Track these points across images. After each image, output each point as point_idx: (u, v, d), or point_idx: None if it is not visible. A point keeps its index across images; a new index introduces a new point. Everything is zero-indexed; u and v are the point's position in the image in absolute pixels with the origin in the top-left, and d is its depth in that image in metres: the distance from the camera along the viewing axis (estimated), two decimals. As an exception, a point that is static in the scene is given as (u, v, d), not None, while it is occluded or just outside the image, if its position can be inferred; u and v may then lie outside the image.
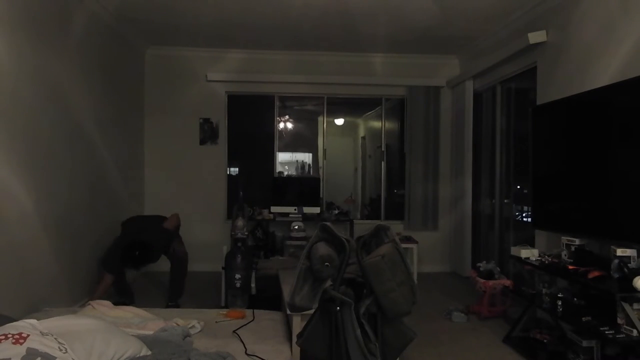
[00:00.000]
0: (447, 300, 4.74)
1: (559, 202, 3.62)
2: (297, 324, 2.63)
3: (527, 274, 4.02)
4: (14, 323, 1.70)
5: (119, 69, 5.18)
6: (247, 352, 2.30)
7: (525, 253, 3.64)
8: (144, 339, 2.13)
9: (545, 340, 3.45)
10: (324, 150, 6.73)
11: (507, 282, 4.21)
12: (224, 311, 2.97)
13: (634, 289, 2.60)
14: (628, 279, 2.69)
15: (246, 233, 4.05)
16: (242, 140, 6.42)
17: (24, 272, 3.33)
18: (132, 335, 2.14)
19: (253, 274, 3.97)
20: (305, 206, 5.92)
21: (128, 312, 2.73)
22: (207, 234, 6.06)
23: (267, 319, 2.85)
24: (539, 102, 4.25)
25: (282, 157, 7.07)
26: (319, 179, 6.42)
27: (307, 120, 7.39)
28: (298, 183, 6.46)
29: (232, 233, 4.06)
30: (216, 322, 2.77)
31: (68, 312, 2.76)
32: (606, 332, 2.70)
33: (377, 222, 2.53)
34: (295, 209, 5.90)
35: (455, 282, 5.64)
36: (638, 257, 2.85)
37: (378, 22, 4.94)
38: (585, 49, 3.70)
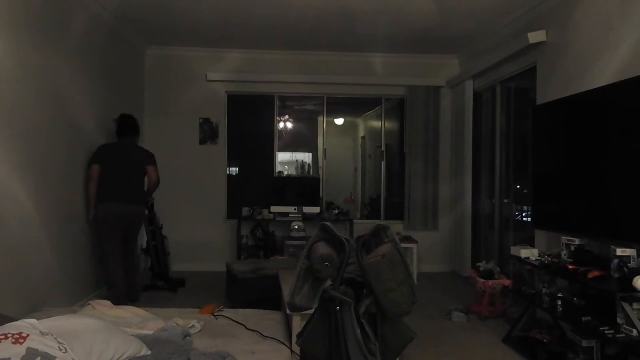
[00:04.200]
0: (447, 300, 4.74)
1: (559, 202, 3.62)
2: (297, 324, 2.63)
3: (527, 274, 4.01)
4: (14, 323, 1.70)
5: (119, 69, 5.18)
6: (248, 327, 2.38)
7: (525, 253, 3.64)
8: (144, 339, 2.13)
9: (545, 340, 3.45)
10: (324, 150, 6.73)
11: (507, 282, 4.21)
12: (196, 310, 3.00)
13: (634, 289, 2.60)
14: (628, 279, 2.69)
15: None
16: (242, 140, 6.42)
17: (24, 272, 3.33)
18: (132, 335, 2.14)
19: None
20: (305, 206, 5.92)
21: (128, 312, 2.74)
22: (207, 234, 6.06)
23: (267, 319, 2.85)
24: (539, 102, 4.25)
25: (282, 157, 7.08)
26: (319, 179, 6.42)
27: (307, 120, 7.39)
28: (298, 183, 6.47)
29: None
30: (215, 316, 2.80)
31: (68, 312, 2.76)
32: (606, 332, 2.70)
33: (377, 222, 2.53)
34: (295, 209, 5.90)
35: (455, 282, 5.64)
36: (638, 257, 2.85)
37: (378, 22, 4.94)
38: (585, 49, 3.70)
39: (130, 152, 4.40)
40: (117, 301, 3.84)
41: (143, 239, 5.33)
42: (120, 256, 4.22)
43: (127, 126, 4.46)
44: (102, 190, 4.17)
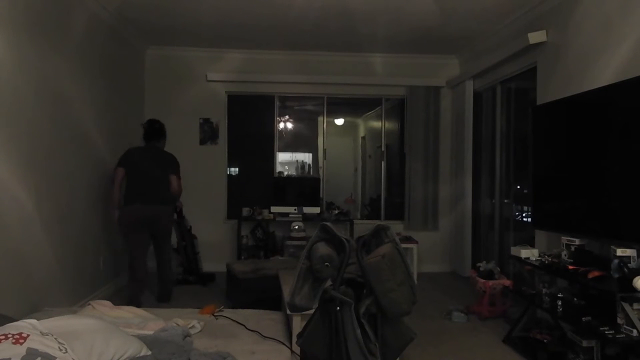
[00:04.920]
0: (447, 300, 4.74)
1: (559, 202, 3.62)
2: (297, 324, 2.63)
3: (527, 274, 4.01)
4: (14, 323, 1.70)
5: (119, 69, 5.18)
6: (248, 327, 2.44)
7: (525, 253, 3.64)
8: (144, 339, 2.13)
9: (545, 340, 3.45)
10: (324, 150, 6.73)
11: (507, 282, 4.21)
12: (196, 310, 2.99)
13: (634, 289, 2.60)
14: (628, 279, 2.69)
15: None
16: (242, 140, 6.43)
17: (25, 272, 3.33)
18: (132, 335, 2.14)
19: None
20: (305, 206, 5.92)
21: (128, 312, 2.74)
22: (207, 234, 6.06)
23: (267, 319, 2.85)
24: (539, 102, 4.25)
25: (282, 157, 7.08)
26: (319, 179, 6.42)
27: (307, 120, 7.39)
28: (298, 183, 6.47)
29: None
30: (215, 316, 2.79)
31: (68, 312, 2.76)
32: (606, 332, 2.70)
33: (377, 222, 2.53)
34: (295, 209, 5.90)
35: (455, 282, 5.64)
36: (638, 257, 2.85)
37: (378, 22, 4.94)
38: (585, 49, 3.70)
39: (155, 155, 4.50)
40: (135, 296, 4.17)
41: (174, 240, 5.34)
42: (146, 255, 4.36)
43: (154, 130, 4.56)
44: (128, 192, 4.31)
